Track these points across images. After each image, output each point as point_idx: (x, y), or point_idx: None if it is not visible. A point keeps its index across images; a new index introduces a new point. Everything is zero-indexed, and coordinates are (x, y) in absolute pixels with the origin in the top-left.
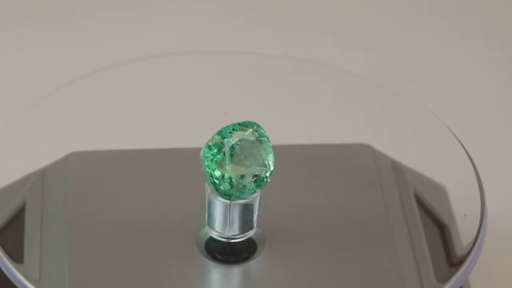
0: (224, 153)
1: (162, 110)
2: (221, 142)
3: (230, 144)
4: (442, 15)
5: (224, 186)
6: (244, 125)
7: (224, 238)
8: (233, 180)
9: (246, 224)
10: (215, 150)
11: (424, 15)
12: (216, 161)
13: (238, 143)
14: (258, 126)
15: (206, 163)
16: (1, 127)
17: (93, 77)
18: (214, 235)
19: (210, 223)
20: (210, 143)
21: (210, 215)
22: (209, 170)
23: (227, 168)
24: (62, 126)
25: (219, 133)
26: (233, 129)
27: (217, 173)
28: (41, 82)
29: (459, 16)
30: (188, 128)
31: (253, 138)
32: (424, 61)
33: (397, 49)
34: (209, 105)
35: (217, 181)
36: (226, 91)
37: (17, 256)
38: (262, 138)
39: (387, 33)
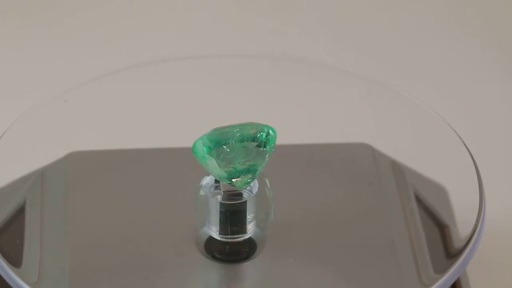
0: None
1: (162, 110)
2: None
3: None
4: (441, 13)
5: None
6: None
7: (224, 237)
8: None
9: (245, 224)
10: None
11: (423, 14)
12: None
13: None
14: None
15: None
16: (4, 129)
17: (93, 79)
18: (214, 234)
19: (209, 223)
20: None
21: (209, 215)
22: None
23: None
24: (62, 125)
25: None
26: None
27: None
28: (41, 84)
29: (459, 14)
30: (188, 128)
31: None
32: (424, 60)
33: (397, 48)
34: (209, 106)
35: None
36: (226, 91)
37: (16, 255)
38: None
39: (387, 33)
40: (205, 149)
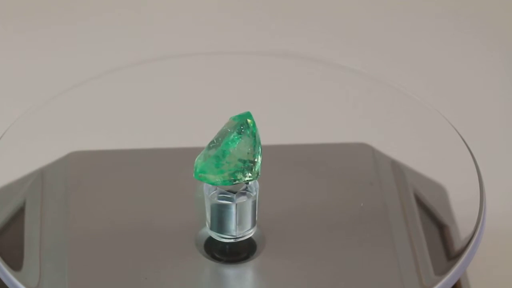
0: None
1: (162, 110)
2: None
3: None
4: (442, 13)
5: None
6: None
7: (224, 238)
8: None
9: (246, 224)
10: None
11: (423, 13)
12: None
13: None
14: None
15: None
16: (5, 130)
17: (93, 78)
18: (214, 235)
19: (209, 224)
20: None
21: (209, 216)
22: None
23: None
24: (62, 125)
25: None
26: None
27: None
28: (42, 84)
29: (460, 13)
30: (188, 128)
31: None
32: (425, 59)
33: (397, 47)
34: (209, 105)
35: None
36: (226, 91)
37: (16, 256)
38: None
39: (387, 32)
40: (217, 166)
